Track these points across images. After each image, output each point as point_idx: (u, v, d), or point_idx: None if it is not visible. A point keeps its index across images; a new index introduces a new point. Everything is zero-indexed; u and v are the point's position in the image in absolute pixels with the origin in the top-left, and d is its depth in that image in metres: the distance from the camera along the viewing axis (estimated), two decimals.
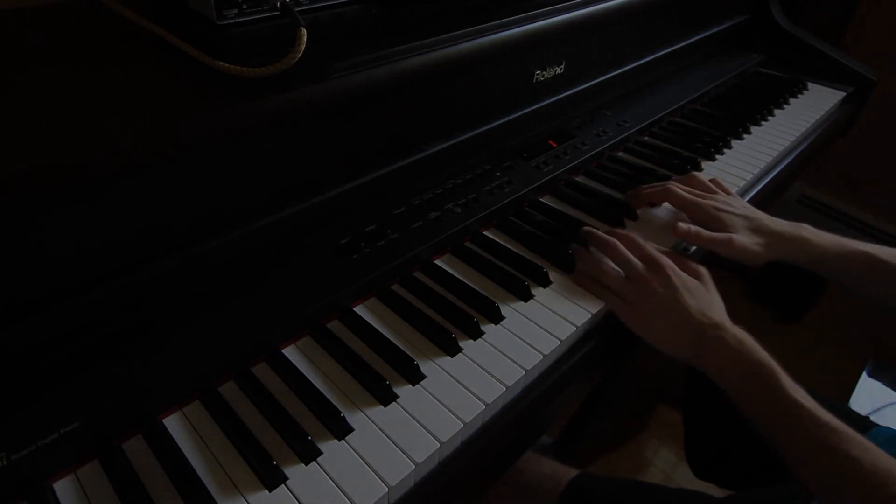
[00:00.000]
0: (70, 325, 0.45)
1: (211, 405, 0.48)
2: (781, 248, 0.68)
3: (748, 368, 0.54)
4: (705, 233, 0.67)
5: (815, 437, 0.50)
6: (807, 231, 0.69)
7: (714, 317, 0.58)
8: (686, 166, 0.84)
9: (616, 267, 0.63)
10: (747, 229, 0.68)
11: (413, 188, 0.68)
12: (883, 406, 0.92)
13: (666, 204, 0.75)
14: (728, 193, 0.74)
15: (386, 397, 0.50)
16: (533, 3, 0.72)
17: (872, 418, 0.80)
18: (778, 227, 0.69)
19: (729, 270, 1.75)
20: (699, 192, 0.73)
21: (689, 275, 0.61)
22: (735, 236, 0.67)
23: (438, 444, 0.46)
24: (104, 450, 0.44)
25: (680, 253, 0.68)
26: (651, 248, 0.63)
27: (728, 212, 0.69)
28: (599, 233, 0.66)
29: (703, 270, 0.63)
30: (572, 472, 0.76)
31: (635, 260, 0.62)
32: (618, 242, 0.63)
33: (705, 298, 0.60)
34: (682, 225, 0.68)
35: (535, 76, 0.76)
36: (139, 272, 0.47)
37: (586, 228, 0.68)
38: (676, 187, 0.72)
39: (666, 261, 0.61)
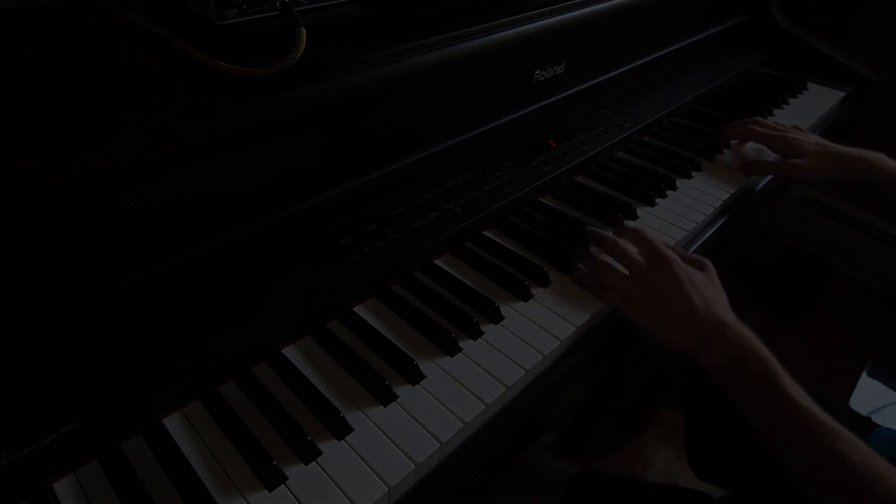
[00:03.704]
0: (71, 325, 0.45)
1: (211, 405, 0.48)
2: (847, 167, 0.82)
3: (748, 366, 0.54)
4: (769, 161, 0.87)
5: (811, 437, 0.50)
6: (874, 156, 0.82)
7: (718, 313, 0.57)
8: (686, 166, 0.84)
9: (618, 264, 0.62)
10: (817, 153, 0.83)
11: (413, 188, 0.68)
12: (883, 406, 0.92)
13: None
14: (804, 132, 0.90)
15: (386, 397, 0.50)
16: (533, 3, 0.72)
17: (872, 418, 0.80)
18: (846, 151, 0.83)
19: (730, 268, 1.75)
20: (776, 127, 0.89)
21: (694, 267, 0.61)
22: (799, 161, 0.83)
23: (438, 444, 0.47)
24: (104, 450, 0.44)
25: (685, 248, 0.69)
26: (656, 240, 0.63)
27: (802, 139, 0.85)
28: (600, 231, 0.66)
29: (708, 262, 0.63)
30: (575, 466, 0.76)
31: (637, 256, 0.61)
32: (616, 239, 0.63)
33: (710, 292, 0.60)
34: (745, 163, 0.86)
35: (535, 76, 0.76)
36: (139, 272, 0.47)
37: (589, 228, 0.68)
38: (754, 125, 0.89)
39: (670, 254, 0.61)
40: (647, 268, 0.60)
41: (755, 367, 0.54)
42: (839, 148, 0.84)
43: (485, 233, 0.69)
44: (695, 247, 0.74)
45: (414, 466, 0.45)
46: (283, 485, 0.44)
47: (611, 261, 0.63)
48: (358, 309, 0.58)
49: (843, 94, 1.12)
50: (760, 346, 0.55)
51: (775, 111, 1.05)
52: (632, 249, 0.62)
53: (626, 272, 0.61)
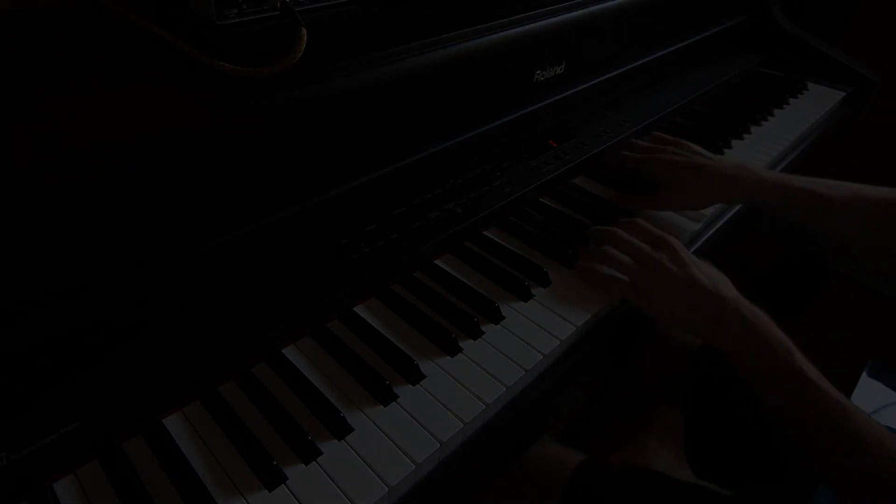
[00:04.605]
0: (71, 325, 0.45)
1: (211, 405, 0.48)
2: (724, 191, 0.72)
3: (765, 344, 0.54)
4: (639, 196, 0.75)
5: (826, 415, 0.50)
6: (746, 172, 0.72)
7: (728, 292, 0.58)
8: None
9: (621, 254, 0.63)
10: (693, 175, 0.73)
11: (413, 188, 0.68)
12: (883, 406, 0.92)
13: None
14: (683, 145, 0.79)
15: (386, 397, 0.50)
16: (533, 3, 0.72)
17: None
18: (721, 171, 0.72)
19: (731, 268, 1.75)
20: (651, 146, 0.80)
21: None
22: (665, 194, 0.74)
23: (438, 445, 0.47)
24: (104, 450, 0.44)
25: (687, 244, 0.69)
26: (655, 229, 0.63)
27: (676, 160, 0.75)
28: (599, 228, 0.66)
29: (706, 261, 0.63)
30: (579, 457, 0.75)
31: (640, 242, 0.62)
32: (618, 230, 0.64)
33: (716, 274, 0.60)
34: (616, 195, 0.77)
35: (535, 76, 0.76)
36: (140, 272, 0.47)
37: (589, 229, 0.68)
38: (626, 153, 0.80)
39: (672, 238, 0.61)
40: (651, 253, 0.60)
41: (771, 344, 0.54)
42: (714, 170, 0.72)
43: (485, 233, 0.69)
44: (700, 242, 0.74)
45: (414, 466, 0.45)
46: (283, 485, 0.44)
47: (614, 253, 0.63)
48: (358, 309, 0.58)
49: (843, 94, 1.12)
50: (773, 324, 0.56)
51: (775, 111, 1.05)
52: (633, 237, 0.63)
53: (630, 262, 0.61)
